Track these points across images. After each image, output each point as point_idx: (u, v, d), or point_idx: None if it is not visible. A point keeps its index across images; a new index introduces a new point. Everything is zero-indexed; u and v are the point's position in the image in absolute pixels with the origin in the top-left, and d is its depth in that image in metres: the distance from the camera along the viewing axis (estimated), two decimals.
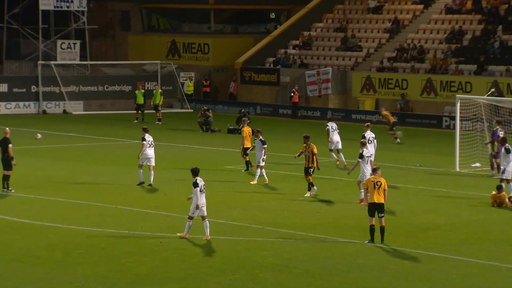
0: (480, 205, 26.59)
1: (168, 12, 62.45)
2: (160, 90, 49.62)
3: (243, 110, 45.10)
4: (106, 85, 53.67)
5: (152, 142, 28.79)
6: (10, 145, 27.39)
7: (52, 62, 53.28)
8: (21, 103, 51.24)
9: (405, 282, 18.62)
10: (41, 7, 55.30)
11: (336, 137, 33.28)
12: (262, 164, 29.36)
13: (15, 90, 51.44)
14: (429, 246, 21.37)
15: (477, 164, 32.85)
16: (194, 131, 44.37)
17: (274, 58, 55.48)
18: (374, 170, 21.67)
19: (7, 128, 28.13)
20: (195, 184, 21.36)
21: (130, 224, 23.22)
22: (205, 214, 21.50)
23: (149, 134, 28.85)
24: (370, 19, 55.67)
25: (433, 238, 22.31)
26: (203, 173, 30.79)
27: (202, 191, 21.42)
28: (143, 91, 49.02)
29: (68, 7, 56.22)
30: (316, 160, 27.00)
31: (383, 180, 21.31)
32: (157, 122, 47.47)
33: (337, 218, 24.51)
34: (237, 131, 42.20)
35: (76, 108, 52.23)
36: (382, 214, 21.28)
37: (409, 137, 43.91)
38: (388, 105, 50.05)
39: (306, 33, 56.32)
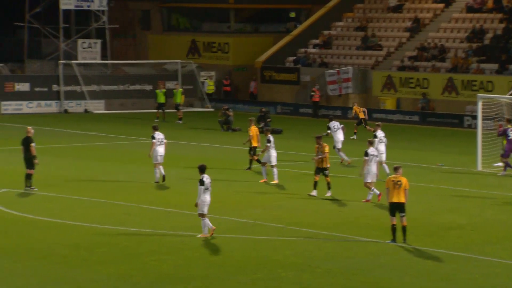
0: (503, 204, 26.46)
1: (188, 11, 62.57)
2: (181, 89, 49.75)
3: (263, 109, 45.09)
4: (127, 84, 53.84)
5: (163, 140, 28.94)
6: (32, 144, 27.55)
7: (73, 62, 53.51)
8: (43, 102, 51.49)
9: (427, 282, 18.57)
10: (62, 7, 55.54)
11: (339, 136, 33.47)
12: (274, 163, 29.31)
13: (37, 89, 51.70)
14: (451, 245, 21.30)
15: (500, 164, 32.70)
16: (215, 130, 44.44)
17: (294, 57, 55.45)
18: (395, 169, 21.60)
19: (29, 127, 28.29)
20: (201, 182, 21.47)
21: (153, 223, 23.31)
22: (205, 212, 21.52)
23: (160, 132, 29.02)
24: (390, 18, 55.53)
25: (455, 238, 22.23)
26: (224, 172, 30.98)
27: (208, 188, 21.53)
28: (164, 90, 49.18)
29: (88, 6, 56.45)
30: (324, 158, 26.80)
31: (404, 180, 21.24)
32: (178, 121, 47.60)
33: (359, 217, 24.48)
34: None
35: (98, 107, 52.44)
36: (403, 214, 21.22)
37: (430, 136, 43.80)
38: (410, 104, 49.96)
39: (326, 32, 56.26)
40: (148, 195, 27.36)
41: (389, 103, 50.26)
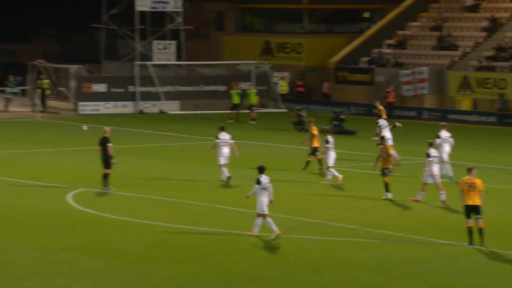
0: None
1: (261, 12, 62.71)
2: (254, 90, 49.90)
3: (336, 110, 44.91)
4: (201, 85, 54.22)
5: (228, 141, 29.10)
6: (109, 144, 27.94)
7: (148, 63, 54.12)
8: (119, 103, 52.18)
9: (506, 285, 18.22)
10: (138, 8, 56.24)
11: (388, 133, 33.21)
12: (331, 164, 29.17)
13: (113, 90, 52.44)
14: None
15: None
16: (288, 131, 44.44)
17: (368, 58, 55.08)
18: (469, 170, 21.26)
19: (106, 128, 28.71)
20: (258, 181, 21.59)
21: (225, 223, 23.41)
22: (266, 212, 21.56)
23: (227, 133, 29.18)
24: (466, 18, 54.72)
25: None
26: (296, 173, 30.92)
27: (265, 188, 21.56)
28: (239, 91, 49.40)
29: (164, 8, 57.04)
30: (387, 158, 26.58)
31: (478, 181, 20.89)
32: (252, 122, 47.76)
33: (435, 219, 24.17)
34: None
35: (172, 108, 52.94)
36: (479, 216, 20.88)
37: (508, 138, 43.02)
38: (486, 105, 49.12)
39: (400, 33, 55.73)
40: (220, 195, 27.50)
41: (465, 104, 49.53)
